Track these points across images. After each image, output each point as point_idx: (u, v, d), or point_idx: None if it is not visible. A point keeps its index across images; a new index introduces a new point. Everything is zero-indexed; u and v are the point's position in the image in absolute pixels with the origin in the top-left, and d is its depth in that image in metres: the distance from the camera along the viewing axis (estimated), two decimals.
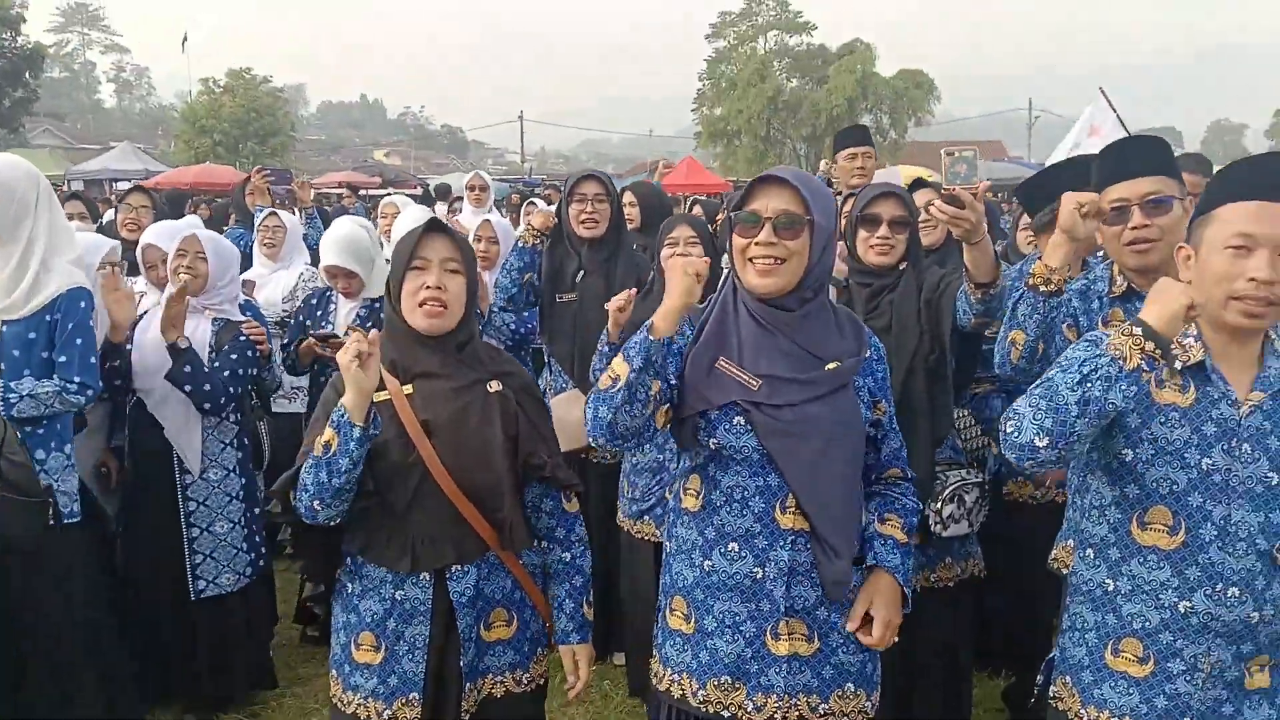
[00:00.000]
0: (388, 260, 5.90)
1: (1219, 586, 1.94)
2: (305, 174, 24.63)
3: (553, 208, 4.46)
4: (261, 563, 3.90)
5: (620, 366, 2.09)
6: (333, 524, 2.32)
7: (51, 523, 3.00)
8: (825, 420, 2.13)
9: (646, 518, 3.66)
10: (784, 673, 2.14)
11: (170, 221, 4.30)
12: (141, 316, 3.78)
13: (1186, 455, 1.97)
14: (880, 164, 5.31)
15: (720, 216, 6.20)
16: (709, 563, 2.19)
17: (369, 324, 4.09)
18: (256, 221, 5.57)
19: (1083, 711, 2.12)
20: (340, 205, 12.06)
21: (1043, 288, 2.48)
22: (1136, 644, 2.03)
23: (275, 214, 5.54)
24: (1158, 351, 1.84)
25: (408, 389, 2.32)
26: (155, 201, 4.42)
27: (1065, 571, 2.82)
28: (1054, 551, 2.89)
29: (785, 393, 2.13)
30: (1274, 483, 1.94)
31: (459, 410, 2.32)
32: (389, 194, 8.81)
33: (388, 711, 2.32)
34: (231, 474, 3.76)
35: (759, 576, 2.14)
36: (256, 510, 3.88)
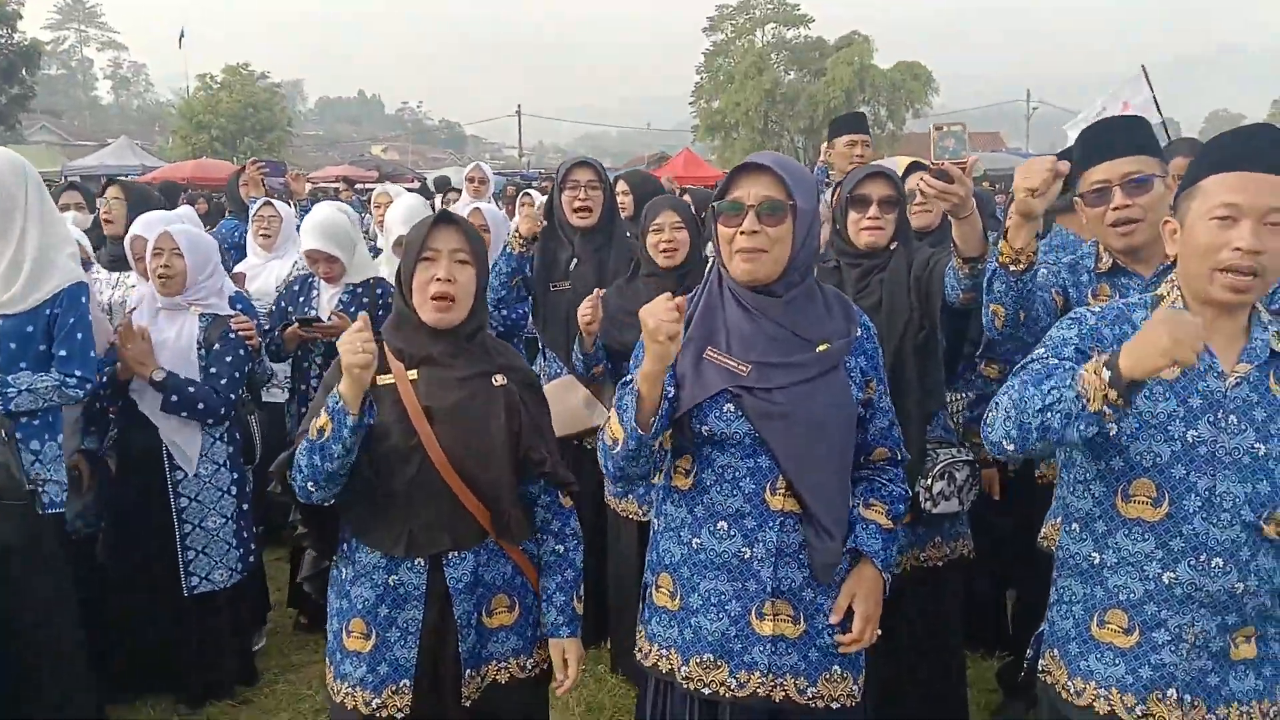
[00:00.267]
0: (371, 246, 5.91)
1: (1203, 557, 1.94)
2: (302, 169, 24.60)
3: (544, 199, 4.46)
4: (252, 558, 3.89)
5: (618, 431, 2.11)
6: (327, 505, 2.32)
7: (40, 512, 2.97)
8: (816, 402, 2.13)
9: (630, 497, 3.67)
10: (768, 653, 2.14)
11: (161, 212, 4.29)
12: (131, 314, 3.75)
13: (1171, 428, 1.97)
14: (878, 155, 5.32)
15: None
16: (697, 540, 2.19)
17: (351, 309, 4.10)
18: (251, 212, 5.57)
19: (1069, 683, 2.12)
20: (337, 199, 12.05)
21: (1012, 267, 2.50)
22: (1122, 615, 2.04)
23: (270, 204, 5.54)
24: (1120, 401, 1.77)
25: (412, 374, 2.32)
26: (129, 194, 4.40)
27: (1054, 549, 2.84)
28: (1043, 529, 2.90)
29: (775, 377, 2.13)
30: (1260, 454, 1.94)
31: (462, 399, 2.32)
32: (383, 185, 8.82)
33: (376, 700, 2.30)
34: (222, 469, 3.75)
35: (746, 556, 2.15)
36: (246, 505, 3.87)
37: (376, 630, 2.31)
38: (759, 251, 2.12)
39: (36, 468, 3.19)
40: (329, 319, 4.04)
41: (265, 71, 46.19)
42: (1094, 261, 2.75)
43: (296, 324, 4.02)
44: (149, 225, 3.86)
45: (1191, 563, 1.95)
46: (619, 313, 3.45)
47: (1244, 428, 1.95)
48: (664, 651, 2.26)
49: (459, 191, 9.83)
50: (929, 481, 2.98)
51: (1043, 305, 2.63)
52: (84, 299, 3.23)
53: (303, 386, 4.24)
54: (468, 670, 2.34)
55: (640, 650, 2.34)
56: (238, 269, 5.38)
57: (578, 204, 4.00)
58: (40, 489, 3.18)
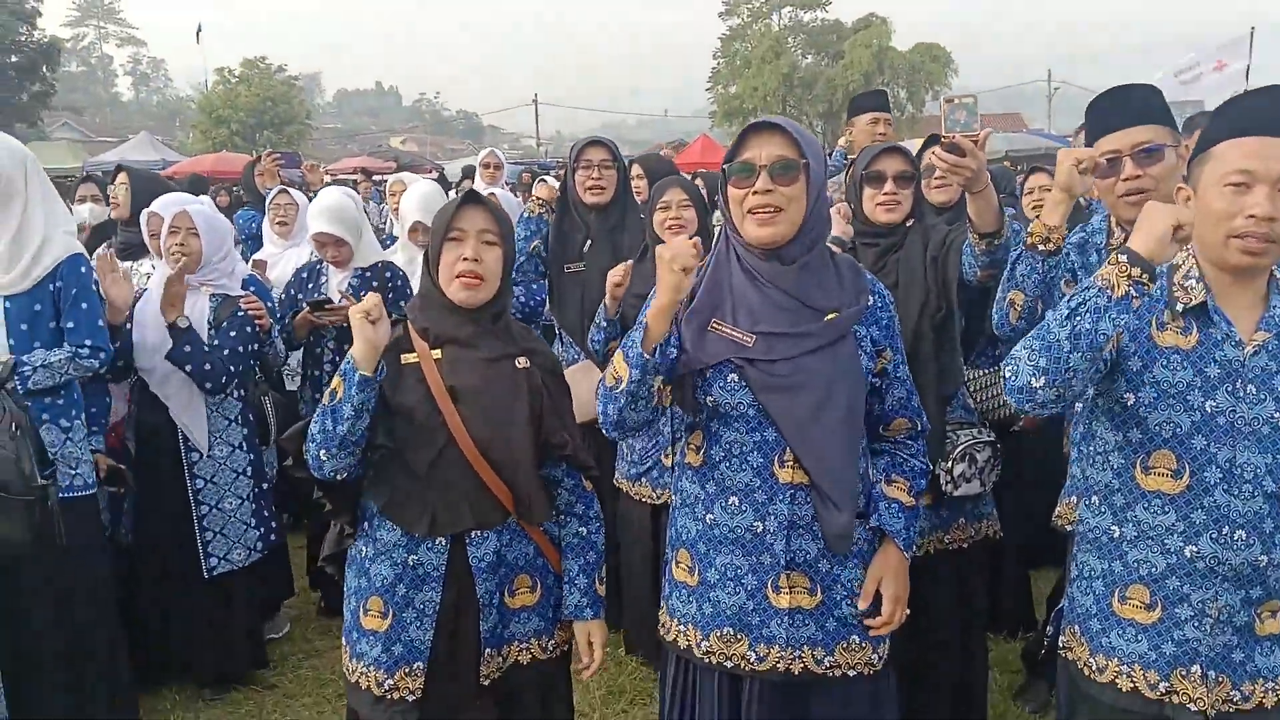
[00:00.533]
0: (379, 232, 5.87)
1: (1225, 530, 1.92)
2: (321, 161, 24.69)
3: (537, 183, 4.47)
4: (273, 537, 3.93)
5: (621, 368, 2.10)
6: (339, 477, 2.31)
7: (50, 505, 2.94)
8: (822, 372, 2.10)
9: (644, 480, 3.67)
10: (786, 625, 2.14)
11: (180, 194, 4.31)
12: (140, 294, 3.79)
13: (1189, 398, 1.94)
14: (898, 138, 5.28)
15: None
16: (710, 516, 2.19)
17: (361, 293, 4.11)
18: (268, 200, 5.60)
19: (1091, 660, 2.10)
20: (354, 187, 12.08)
21: (1041, 247, 2.46)
22: (1143, 590, 2.01)
23: (286, 191, 5.57)
24: (1145, 276, 1.79)
25: (436, 354, 2.33)
26: (133, 179, 4.45)
27: (1069, 529, 2.81)
28: (1058, 509, 2.87)
29: (780, 347, 2.10)
30: None
31: (486, 379, 2.32)
32: (398, 174, 8.84)
33: (389, 681, 2.31)
34: (238, 450, 3.78)
35: (759, 530, 2.13)
36: (265, 485, 3.90)
37: (394, 610, 2.32)
38: (774, 211, 2.09)
39: (68, 446, 3.21)
40: (339, 301, 4.05)
41: (283, 64, 46.31)
42: (1104, 238, 2.71)
43: (307, 308, 4.03)
44: (166, 205, 3.89)
45: (1213, 535, 1.92)
46: (628, 295, 3.43)
47: (1263, 397, 1.92)
48: (684, 627, 2.26)
49: (471, 179, 9.83)
50: (949, 464, 2.95)
51: (1059, 294, 2.58)
52: (84, 269, 3.24)
53: (315, 373, 4.26)
54: (488, 649, 2.34)
55: (662, 626, 2.34)
56: (256, 257, 5.41)
57: (590, 183, 3.99)
58: (74, 470, 3.21)
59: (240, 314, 3.74)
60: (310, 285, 4.30)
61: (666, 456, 3.46)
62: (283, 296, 4.39)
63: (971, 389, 3.32)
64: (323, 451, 2.24)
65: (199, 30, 49.75)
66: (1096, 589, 2.11)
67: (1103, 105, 2.62)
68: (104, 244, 4.66)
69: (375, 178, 15.75)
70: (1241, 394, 1.92)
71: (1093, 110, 2.64)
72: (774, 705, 2.18)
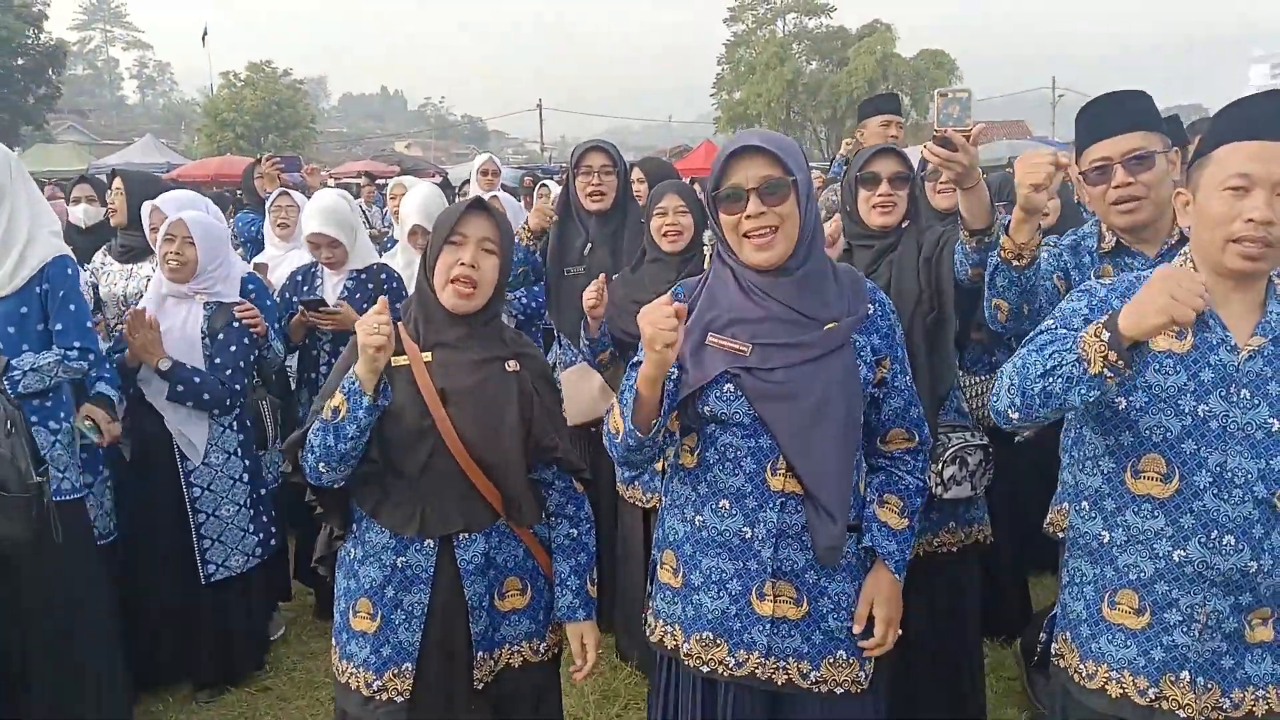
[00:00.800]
0: (382, 235, 5.82)
1: (1214, 534, 1.91)
2: (325, 165, 24.77)
3: (538, 190, 4.46)
4: (273, 541, 3.92)
5: (619, 423, 2.09)
6: (337, 486, 2.32)
7: (48, 503, 2.93)
8: (820, 381, 2.08)
9: (636, 484, 3.67)
10: (767, 633, 2.12)
11: (184, 193, 4.32)
12: (138, 299, 3.79)
13: (1181, 402, 1.94)
14: (903, 144, 5.27)
15: None
16: (700, 518, 2.18)
17: (356, 295, 4.12)
18: (268, 203, 5.60)
19: (1081, 666, 2.09)
20: (357, 190, 12.09)
21: (1015, 262, 2.47)
22: (1132, 595, 2.00)
23: (287, 193, 5.57)
24: (1120, 363, 1.76)
25: (427, 356, 2.33)
26: (128, 183, 4.46)
27: (1060, 535, 2.80)
28: (1049, 515, 2.86)
29: (777, 357, 2.09)
30: (1274, 429, 1.89)
31: (476, 382, 2.33)
32: (399, 177, 8.85)
33: (377, 682, 2.31)
34: (234, 457, 3.77)
35: (748, 536, 2.12)
36: (263, 490, 3.90)
37: (382, 611, 2.32)
38: (770, 232, 2.08)
39: (56, 449, 3.21)
40: (334, 306, 4.05)
41: (288, 69, 46.50)
42: (1096, 241, 2.70)
43: (301, 309, 4.03)
44: (166, 203, 3.89)
45: (1202, 540, 1.91)
46: (625, 301, 3.41)
47: (1257, 402, 1.91)
48: (668, 628, 2.25)
49: (468, 182, 9.84)
50: (940, 466, 2.94)
51: (1045, 294, 2.59)
52: (69, 270, 3.24)
53: (311, 374, 4.26)
54: (480, 652, 2.34)
55: (648, 626, 2.33)
56: (257, 260, 5.41)
57: (590, 188, 3.99)
58: (62, 473, 3.21)
59: (236, 325, 3.73)
60: (305, 288, 4.30)
61: (659, 460, 3.46)
62: (278, 299, 4.39)
63: (967, 394, 3.32)
64: (322, 464, 2.25)
65: (205, 34, 49.94)
66: (1087, 594, 2.10)
67: (1092, 112, 2.61)
68: (102, 248, 4.67)
69: (379, 182, 15.76)
70: (1235, 399, 1.92)
71: (1082, 117, 2.63)
72: (750, 713, 2.17)
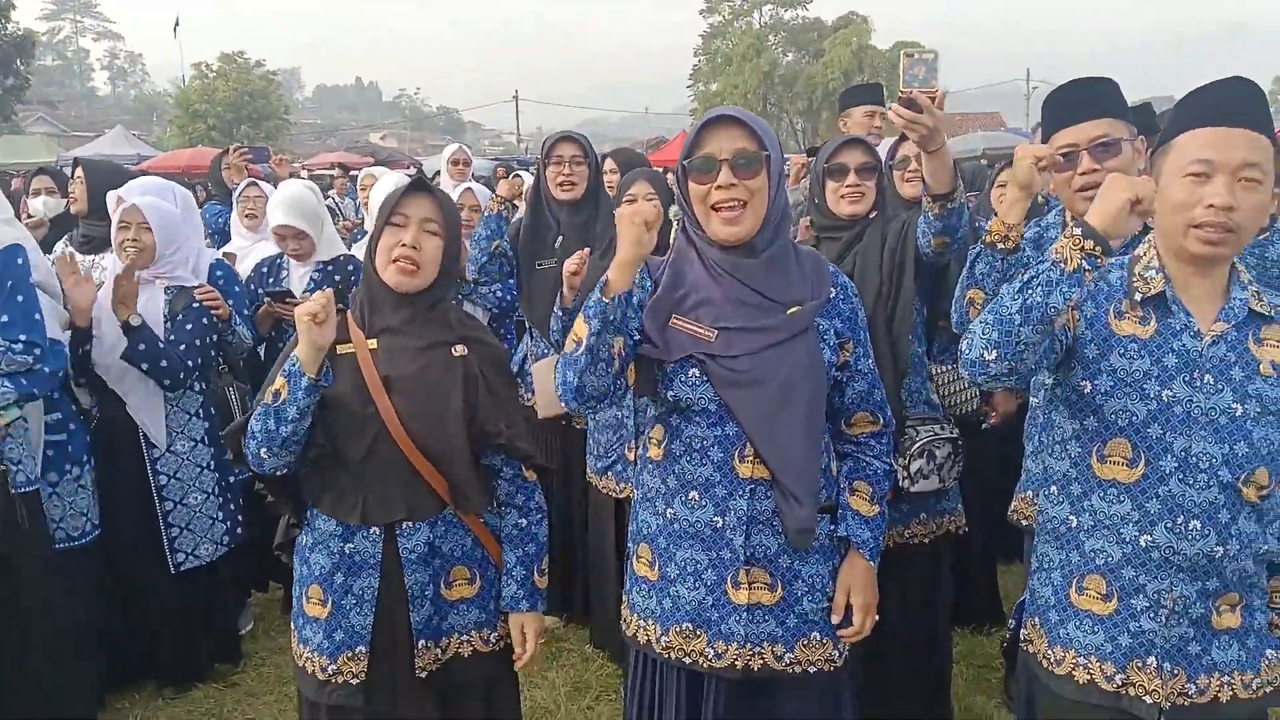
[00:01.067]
0: (355, 226, 5.75)
1: (1179, 519, 1.90)
2: (298, 156, 24.57)
3: (511, 178, 4.43)
4: (240, 530, 3.87)
5: (580, 328, 2.05)
6: (280, 474, 2.32)
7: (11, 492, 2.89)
8: (784, 367, 2.08)
9: (609, 473, 3.65)
10: (744, 622, 2.12)
11: (154, 179, 4.25)
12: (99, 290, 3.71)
13: (1146, 387, 1.93)
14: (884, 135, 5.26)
15: None
16: (671, 510, 2.17)
17: (323, 286, 4.06)
18: (236, 193, 5.53)
19: (1049, 652, 2.09)
20: (330, 182, 12.01)
21: (1000, 245, 2.45)
22: (1099, 580, 2.00)
23: (255, 184, 5.49)
24: (1098, 250, 1.78)
25: (372, 343, 2.32)
26: (89, 174, 4.37)
27: (1025, 523, 2.80)
28: (1014, 504, 2.87)
29: (741, 342, 2.08)
30: (1238, 414, 1.90)
31: (420, 369, 2.31)
32: (370, 168, 8.77)
33: (332, 666, 2.31)
34: (200, 444, 3.72)
35: (719, 525, 2.11)
36: (231, 479, 3.85)
37: (333, 597, 2.32)
38: (738, 205, 2.06)
39: (9, 444, 3.15)
40: (300, 297, 4.00)
41: (261, 60, 46.09)
42: (1059, 231, 2.69)
43: (267, 300, 3.98)
44: (131, 191, 3.83)
45: (1168, 525, 1.91)
46: (594, 286, 3.39)
47: (1220, 387, 1.91)
48: (644, 622, 2.23)
49: (439, 173, 9.79)
50: (906, 460, 2.93)
51: None
52: (20, 260, 3.13)
53: None
54: (421, 641, 2.33)
55: (624, 621, 2.32)
56: (225, 250, 5.33)
57: (561, 178, 3.96)
58: (16, 465, 3.14)
59: (196, 305, 3.68)
60: (271, 279, 4.25)
61: (630, 450, 3.44)
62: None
63: (937, 384, 3.31)
64: (264, 450, 2.24)
65: (177, 24, 49.43)
66: (1055, 580, 2.10)
67: (1059, 99, 2.60)
68: (63, 238, 4.59)
69: (352, 173, 15.64)
70: (1199, 384, 1.91)
71: (1049, 105, 2.62)
72: (734, 703, 2.16)
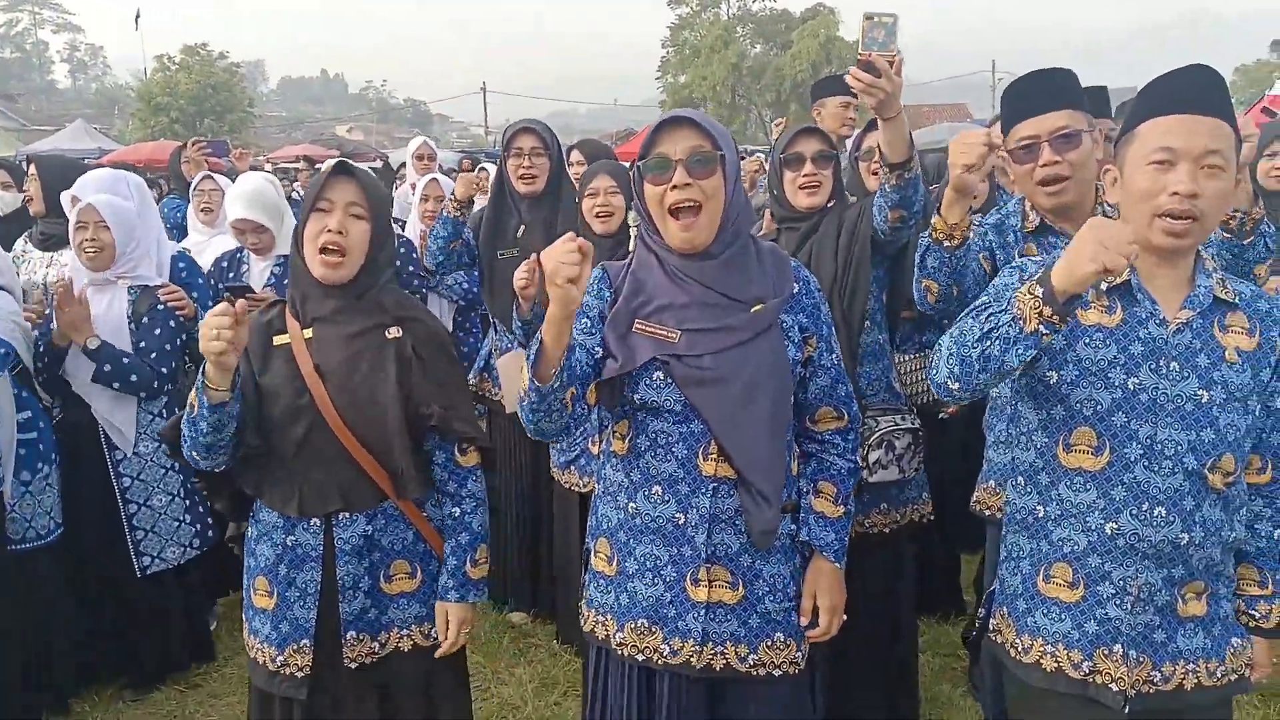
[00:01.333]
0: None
1: (1145, 506, 1.90)
2: (264, 149, 24.31)
3: (477, 172, 4.38)
4: (210, 533, 3.79)
5: (525, 382, 2.00)
6: (218, 470, 2.32)
7: None
8: (748, 365, 2.06)
9: (572, 468, 3.61)
10: (703, 619, 2.09)
11: (104, 171, 4.16)
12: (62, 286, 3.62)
13: (1111, 375, 1.93)
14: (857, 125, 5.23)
15: None
16: (633, 505, 2.14)
17: (284, 281, 3.99)
18: (192, 186, 5.43)
19: (1017, 641, 2.08)
20: (295, 175, 11.87)
21: (946, 243, 2.45)
22: (1066, 568, 1.99)
23: (211, 177, 5.39)
24: (1055, 318, 1.76)
25: (308, 333, 2.29)
26: (42, 172, 4.27)
27: (987, 513, 2.80)
28: (975, 494, 2.86)
29: (705, 342, 2.06)
30: (1203, 401, 1.90)
31: (351, 356, 2.29)
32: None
33: (280, 657, 2.31)
34: (164, 445, 3.64)
35: (681, 522, 2.09)
36: (196, 480, 3.77)
37: (277, 589, 2.32)
38: (695, 208, 2.03)
39: None
40: (261, 292, 3.92)
41: (224, 52, 45.46)
42: (1020, 220, 2.69)
43: (227, 295, 3.90)
44: (85, 187, 3.74)
45: (1133, 512, 1.91)
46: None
47: (1186, 375, 1.91)
48: (601, 617, 2.21)
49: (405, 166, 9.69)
50: (865, 450, 2.91)
51: (972, 276, 2.57)
52: None
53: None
54: (349, 633, 2.32)
55: (582, 616, 2.29)
56: (182, 245, 5.23)
57: (521, 170, 3.91)
58: None
59: (161, 308, 3.60)
60: (231, 275, 4.17)
61: (594, 444, 3.41)
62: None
63: (900, 373, 3.31)
64: (194, 452, 2.25)
65: (138, 16, 48.68)
66: (1023, 569, 2.09)
67: (1019, 90, 2.59)
68: (23, 235, 4.48)
69: (317, 166, 15.47)
70: (1164, 371, 1.91)
71: (1008, 96, 2.61)
72: (688, 701, 2.14)
